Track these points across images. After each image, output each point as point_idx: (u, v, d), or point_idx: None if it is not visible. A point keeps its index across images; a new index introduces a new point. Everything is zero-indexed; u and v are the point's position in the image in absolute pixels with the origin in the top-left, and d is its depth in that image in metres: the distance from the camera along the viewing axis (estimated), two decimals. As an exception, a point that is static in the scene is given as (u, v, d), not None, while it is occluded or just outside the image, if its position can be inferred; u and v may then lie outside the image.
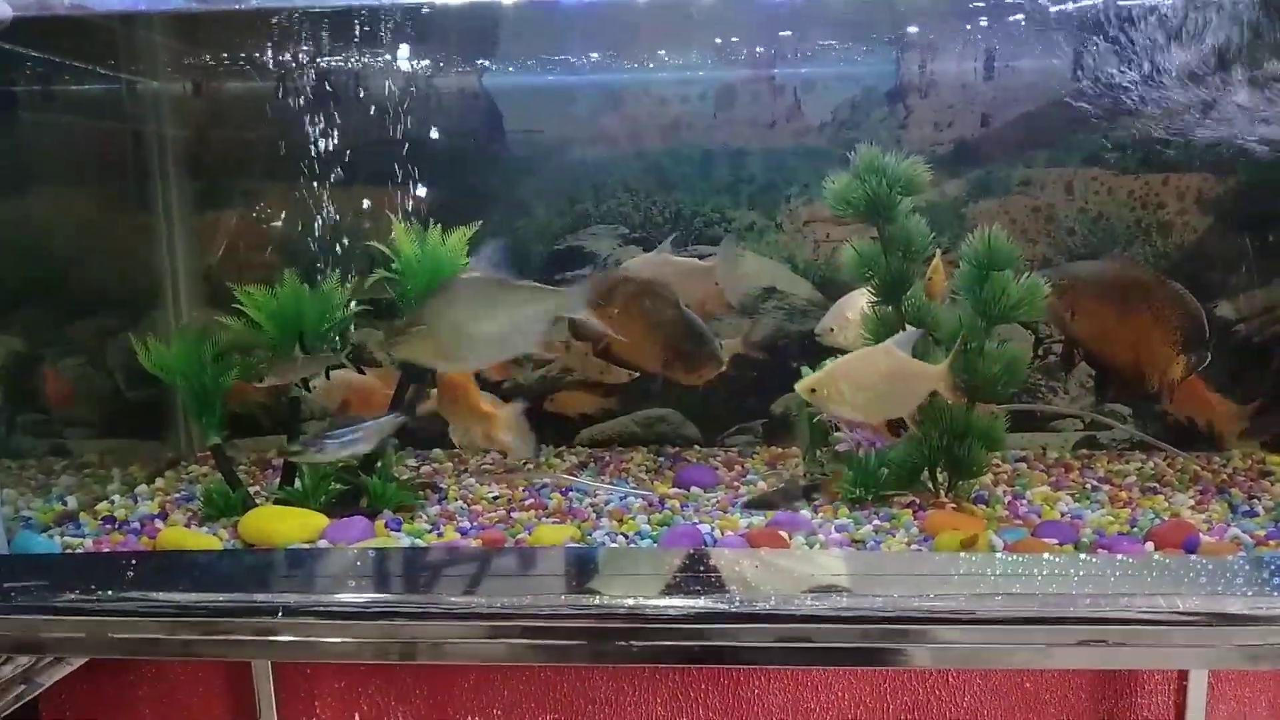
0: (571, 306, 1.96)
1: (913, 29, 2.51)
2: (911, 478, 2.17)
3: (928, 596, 1.72)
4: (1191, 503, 2.16)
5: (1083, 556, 1.86)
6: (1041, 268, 2.28)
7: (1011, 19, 2.38)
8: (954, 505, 2.12)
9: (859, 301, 2.31)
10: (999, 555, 1.86)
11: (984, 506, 2.13)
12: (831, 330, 2.34)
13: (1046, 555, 1.85)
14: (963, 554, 1.86)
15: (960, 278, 2.11)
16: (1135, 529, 2.00)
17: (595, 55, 2.60)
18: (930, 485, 2.18)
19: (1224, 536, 1.95)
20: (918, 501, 2.15)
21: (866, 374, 2.03)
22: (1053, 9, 2.20)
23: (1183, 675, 2.59)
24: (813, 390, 2.06)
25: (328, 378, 2.26)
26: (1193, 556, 1.84)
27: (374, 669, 2.81)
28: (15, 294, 2.24)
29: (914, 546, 1.94)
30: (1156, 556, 1.85)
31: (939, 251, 2.24)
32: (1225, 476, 2.34)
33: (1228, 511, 2.10)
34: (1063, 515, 2.10)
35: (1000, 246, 2.06)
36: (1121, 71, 2.24)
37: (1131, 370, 2.21)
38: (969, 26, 2.45)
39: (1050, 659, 1.74)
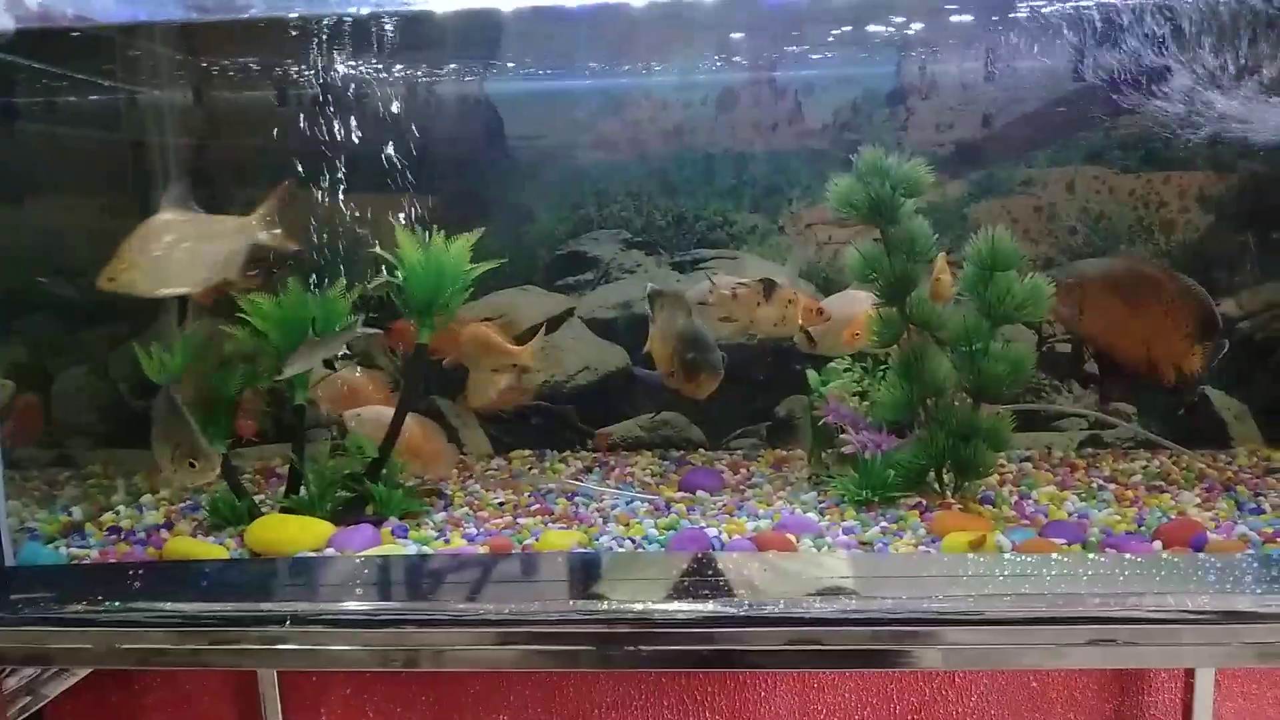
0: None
1: (912, 29, 2.51)
2: (918, 479, 2.17)
3: (936, 598, 1.72)
4: (1198, 500, 2.16)
5: (1091, 556, 1.86)
6: (1045, 268, 2.28)
7: (1012, 17, 2.39)
8: (961, 506, 2.12)
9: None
10: (1007, 556, 1.86)
11: (991, 507, 2.13)
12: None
13: (1054, 555, 1.85)
14: (970, 555, 1.86)
15: (964, 279, 2.11)
16: (1143, 528, 2.00)
17: (596, 60, 2.61)
18: (937, 486, 2.18)
19: (1231, 534, 1.95)
20: (924, 503, 2.15)
21: (160, 239, 2.08)
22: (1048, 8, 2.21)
23: (1190, 673, 2.59)
24: (112, 280, 2.07)
25: (350, 350, 2.26)
26: (1201, 554, 1.84)
27: (380, 676, 2.81)
28: (19, 303, 2.24)
29: (921, 548, 1.94)
30: (1165, 555, 1.85)
31: (943, 254, 2.24)
32: (1231, 473, 2.34)
33: (1234, 509, 2.10)
34: (1070, 515, 2.10)
35: (1004, 247, 2.06)
36: (1122, 69, 2.24)
37: (1144, 366, 2.21)
38: (969, 25, 2.45)
39: (1060, 659, 1.74)
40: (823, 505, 2.20)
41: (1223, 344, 2.16)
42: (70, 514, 2.29)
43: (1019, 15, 2.35)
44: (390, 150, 2.52)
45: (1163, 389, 2.22)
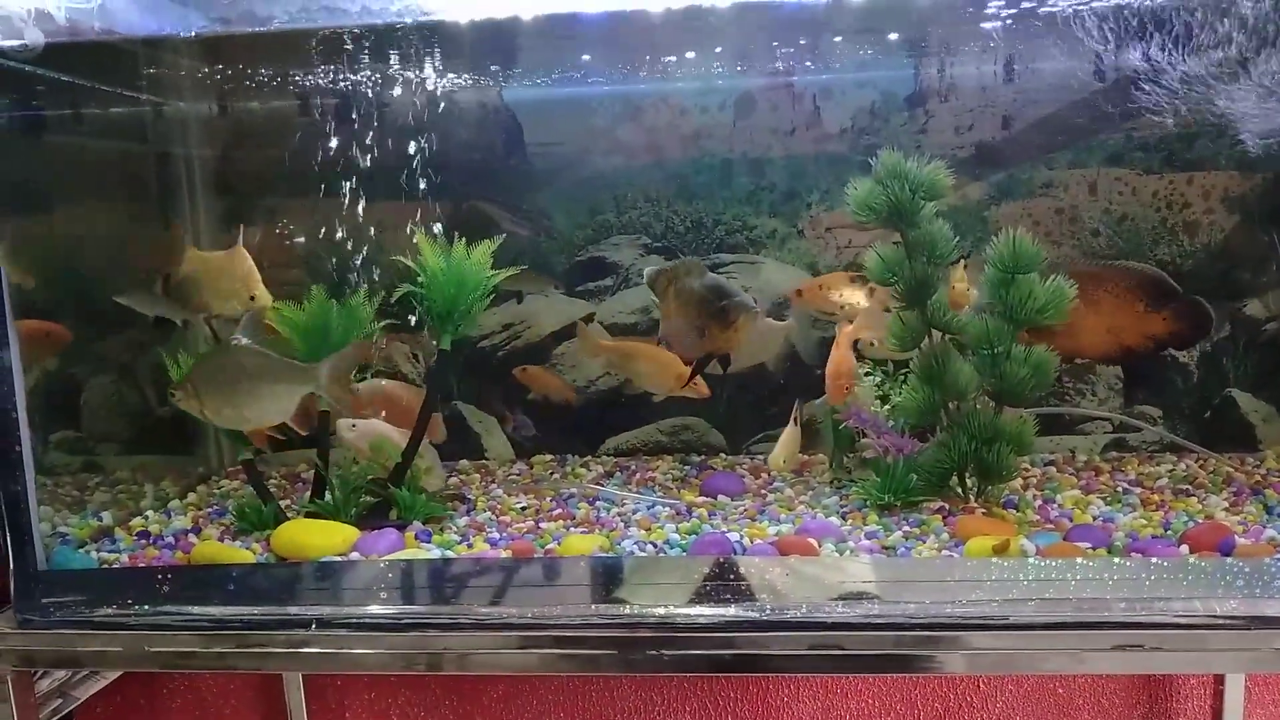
0: (318, 383, 2.09)
1: (931, 33, 2.50)
2: (940, 483, 2.16)
3: (960, 602, 1.72)
4: (1225, 504, 2.13)
5: (1116, 560, 1.84)
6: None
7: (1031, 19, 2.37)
8: (984, 510, 2.10)
9: None
10: (1031, 560, 1.85)
11: (1014, 511, 2.12)
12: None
13: (1079, 559, 1.83)
14: (994, 559, 1.85)
15: (985, 281, 2.10)
16: (1169, 532, 1.98)
17: (614, 66, 2.62)
18: (960, 490, 2.17)
19: (1260, 538, 1.92)
20: (947, 507, 2.13)
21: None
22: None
23: (1219, 679, 2.56)
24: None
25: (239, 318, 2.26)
26: (1229, 559, 1.82)
27: (404, 680, 2.82)
28: (47, 311, 2.27)
29: (944, 552, 1.93)
30: (1192, 559, 1.83)
31: (963, 261, 2.23)
32: (1259, 477, 2.31)
33: (1263, 512, 2.08)
34: (1095, 519, 2.08)
35: (1025, 249, 2.05)
36: (1144, 69, 2.22)
37: (1118, 353, 2.28)
38: (986, 28, 2.44)
39: (1085, 665, 1.73)
40: (844, 510, 2.19)
41: (1201, 306, 2.24)
42: (100, 519, 2.32)
43: (1038, 15, 2.33)
44: (410, 159, 2.55)
45: (1185, 389, 2.21)
